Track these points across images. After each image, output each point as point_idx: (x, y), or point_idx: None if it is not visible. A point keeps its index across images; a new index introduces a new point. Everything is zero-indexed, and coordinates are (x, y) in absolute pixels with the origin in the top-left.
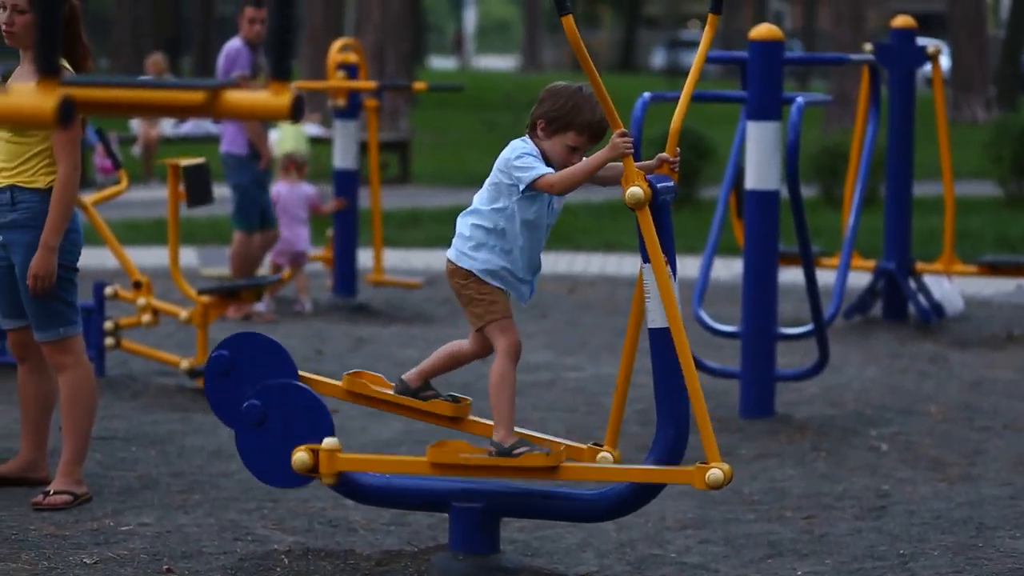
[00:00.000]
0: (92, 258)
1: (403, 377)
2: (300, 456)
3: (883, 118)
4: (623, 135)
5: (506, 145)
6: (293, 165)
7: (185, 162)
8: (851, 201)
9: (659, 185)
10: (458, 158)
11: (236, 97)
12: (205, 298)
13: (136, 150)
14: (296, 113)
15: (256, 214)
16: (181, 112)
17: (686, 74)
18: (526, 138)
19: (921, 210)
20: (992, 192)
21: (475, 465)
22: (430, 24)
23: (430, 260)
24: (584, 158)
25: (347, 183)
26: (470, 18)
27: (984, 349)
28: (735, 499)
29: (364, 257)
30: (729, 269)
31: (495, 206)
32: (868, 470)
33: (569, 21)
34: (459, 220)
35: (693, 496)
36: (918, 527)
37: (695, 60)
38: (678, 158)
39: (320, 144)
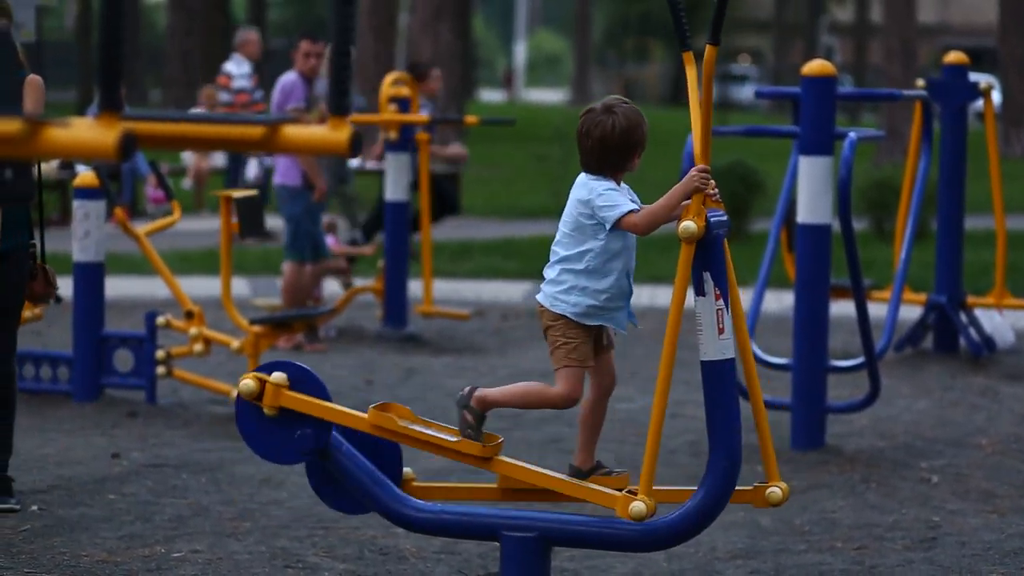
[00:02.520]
0: (144, 287)
1: (573, 464)
2: (246, 383)
3: (934, 152)
4: (703, 171)
5: (571, 181)
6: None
7: (238, 194)
8: (902, 234)
9: (713, 219)
10: (508, 190)
11: (294, 132)
12: (257, 328)
13: (187, 182)
14: (354, 148)
15: (309, 245)
16: (240, 146)
17: (736, 107)
18: (594, 176)
19: (971, 244)
20: None
21: (407, 435)
22: (480, 58)
23: (480, 291)
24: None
25: (399, 215)
26: (520, 52)
27: None
28: (786, 529)
29: (414, 288)
30: (779, 302)
31: (581, 248)
32: (918, 502)
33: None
34: (547, 271)
35: (744, 527)
36: (969, 559)
37: (703, 90)
38: (716, 190)
39: (369, 176)
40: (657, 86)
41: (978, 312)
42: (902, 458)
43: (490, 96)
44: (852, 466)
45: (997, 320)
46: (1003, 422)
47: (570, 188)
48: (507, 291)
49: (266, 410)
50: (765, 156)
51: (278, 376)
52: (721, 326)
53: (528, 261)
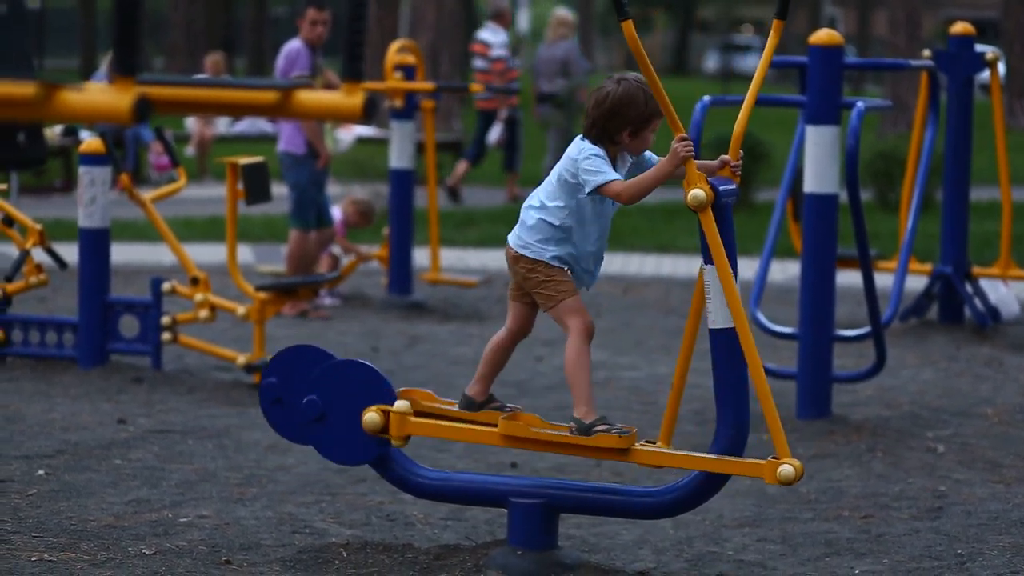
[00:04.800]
0: (148, 254)
1: (466, 392)
2: (371, 416)
3: (941, 124)
4: (682, 139)
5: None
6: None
7: (244, 161)
8: (908, 205)
9: (721, 188)
10: None
11: (308, 97)
12: (263, 295)
13: (190, 149)
14: (369, 113)
15: (313, 213)
16: (253, 111)
17: (739, 78)
18: (587, 139)
19: (976, 215)
20: None
21: (544, 440)
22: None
23: (485, 259)
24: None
25: (403, 183)
26: (523, 19)
27: None
28: (792, 498)
29: (419, 256)
30: (784, 271)
31: (558, 203)
32: (925, 471)
33: (629, 26)
34: (523, 210)
35: (750, 495)
36: (975, 528)
37: (760, 64)
38: (740, 162)
39: (373, 144)
40: (659, 56)
41: (983, 283)
42: (908, 428)
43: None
44: (858, 435)
45: (1002, 291)
46: (1008, 392)
47: None
48: None
49: (395, 442)
50: (769, 126)
51: (401, 405)
52: None
53: None
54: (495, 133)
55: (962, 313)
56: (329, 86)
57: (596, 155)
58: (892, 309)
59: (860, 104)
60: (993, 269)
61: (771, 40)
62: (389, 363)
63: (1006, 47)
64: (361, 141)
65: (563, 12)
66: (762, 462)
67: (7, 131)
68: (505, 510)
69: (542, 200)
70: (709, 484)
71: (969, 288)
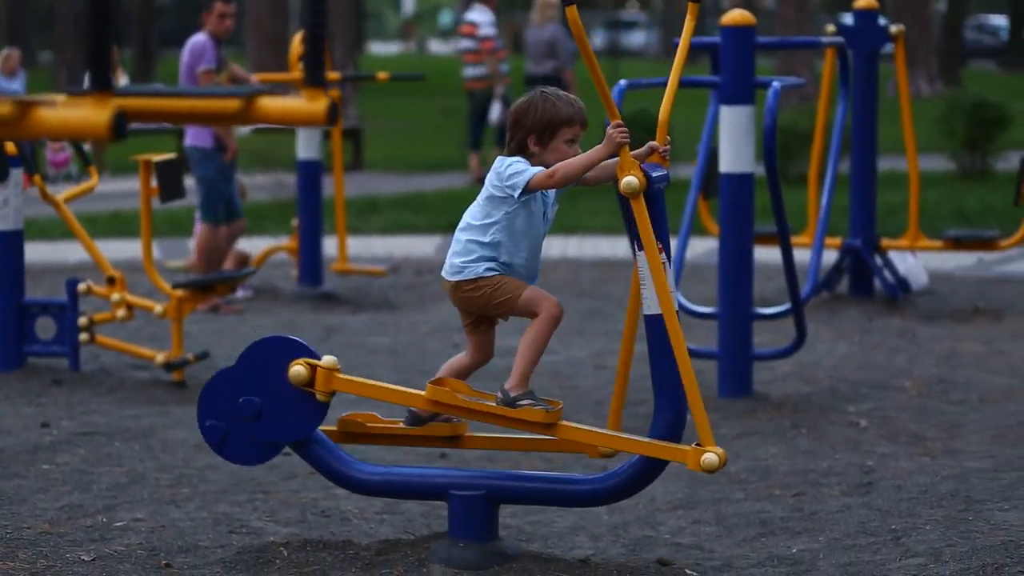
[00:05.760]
0: (53, 253)
1: (412, 409)
2: (297, 369)
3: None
4: (618, 126)
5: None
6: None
7: (158, 158)
8: (815, 179)
9: (653, 174)
10: (408, 144)
11: (270, 104)
12: (180, 292)
13: (86, 145)
14: (331, 118)
15: (222, 206)
16: (218, 120)
17: (627, 55)
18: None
19: (880, 186)
20: (943, 166)
21: (470, 408)
22: (369, 11)
23: (391, 246)
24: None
25: (311, 173)
26: (408, 3)
27: (951, 323)
28: (722, 478)
29: (327, 246)
30: (693, 249)
31: (486, 220)
32: (850, 446)
33: (573, 11)
34: (455, 236)
35: (680, 476)
36: (907, 502)
37: (679, 48)
38: (668, 147)
39: (269, 133)
40: None
41: (892, 254)
42: (829, 403)
43: (380, 48)
44: (780, 412)
45: (910, 262)
46: (924, 363)
47: None
48: (418, 246)
49: (319, 396)
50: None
51: (329, 360)
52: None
53: (437, 215)
54: (496, 112)
55: (872, 285)
56: (235, 79)
57: (516, 161)
58: (811, 285)
59: (776, 83)
60: (902, 241)
61: (688, 23)
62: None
63: (894, 16)
64: (257, 131)
65: None
66: (687, 448)
67: None
68: (441, 503)
69: (468, 222)
70: (649, 470)
71: (879, 260)
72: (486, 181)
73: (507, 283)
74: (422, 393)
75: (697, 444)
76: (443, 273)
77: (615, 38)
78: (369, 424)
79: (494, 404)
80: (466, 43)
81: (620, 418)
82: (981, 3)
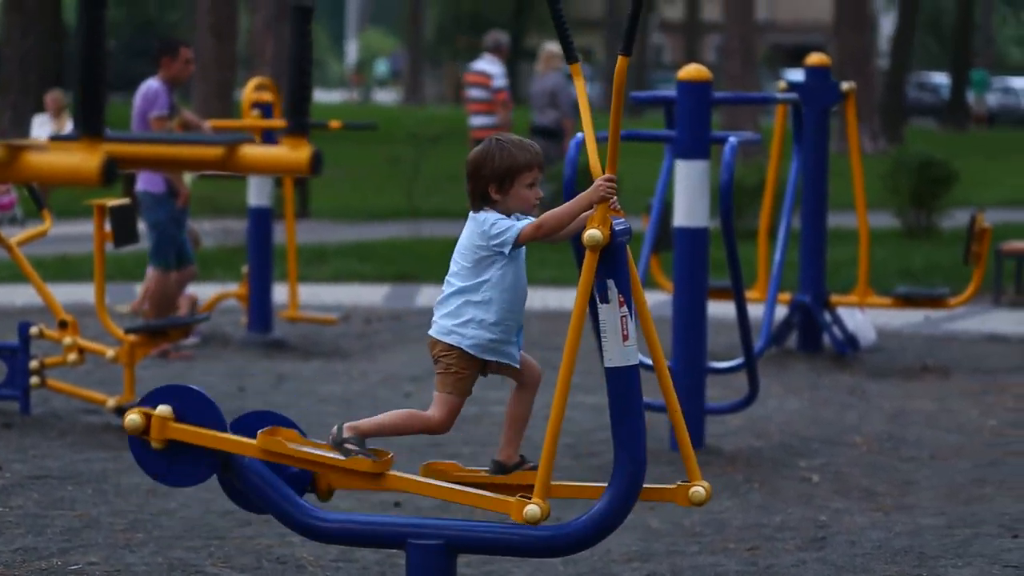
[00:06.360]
0: (7, 296)
1: (496, 459)
2: (132, 418)
3: (784, 154)
4: (609, 179)
5: (424, 183)
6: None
7: (112, 203)
8: (765, 234)
9: (618, 228)
10: (355, 192)
11: (254, 152)
12: (132, 337)
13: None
14: (315, 167)
15: (173, 252)
16: (202, 166)
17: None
18: (477, 212)
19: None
20: (889, 223)
21: (299, 457)
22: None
23: (339, 295)
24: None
25: (262, 220)
26: (351, 51)
27: (900, 380)
28: (676, 531)
29: (276, 293)
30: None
31: (480, 279)
32: (803, 501)
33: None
34: (444, 301)
35: (635, 529)
36: (861, 557)
37: (582, 104)
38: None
39: (214, 180)
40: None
41: (840, 310)
42: (781, 457)
43: (323, 96)
44: (733, 466)
45: (859, 318)
46: (874, 420)
47: (423, 190)
48: (367, 294)
49: (154, 444)
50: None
51: (163, 409)
52: (626, 332)
53: (385, 264)
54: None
55: (820, 341)
56: (187, 126)
57: (498, 219)
58: (764, 340)
59: (732, 139)
60: (852, 297)
61: (579, 82)
62: (258, 403)
63: (836, 72)
64: (204, 177)
65: (552, 46)
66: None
67: None
68: (397, 550)
69: (459, 285)
70: (607, 520)
71: (828, 317)
72: (463, 243)
73: (461, 380)
74: (253, 442)
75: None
76: (430, 333)
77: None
78: (454, 473)
79: (326, 453)
80: (476, 92)
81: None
82: (923, 60)
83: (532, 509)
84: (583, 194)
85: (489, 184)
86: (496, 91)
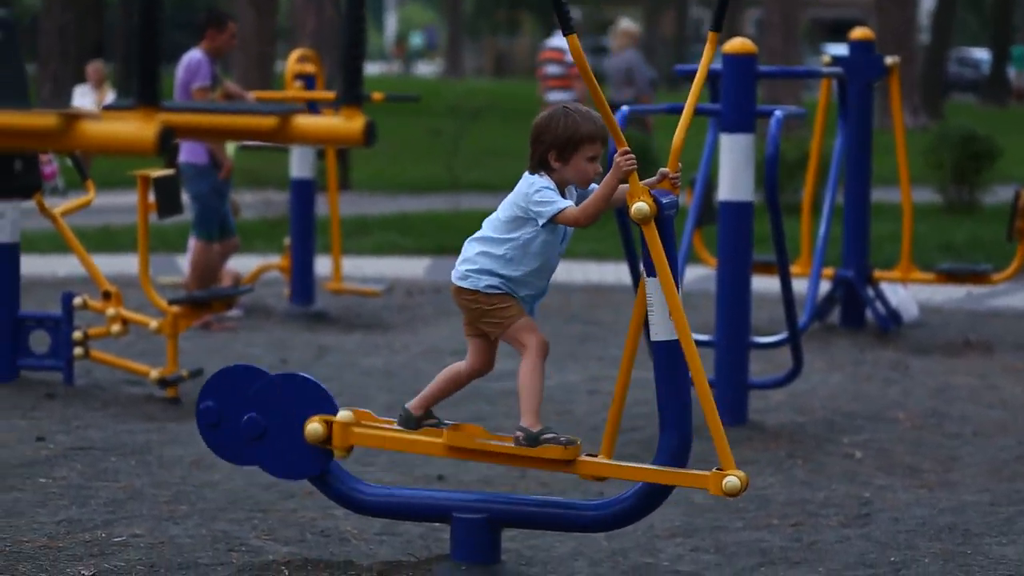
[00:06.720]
0: (44, 266)
1: (406, 406)
2: (314, 427)
3: (832, 128)
4: (624, 153)
5: (464, 156)
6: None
7: (156, 174)
8: (809, 209)
9: (663, 200)
10: (394, 165)
11: (307, 122)
12: (176, 308)
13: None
14: (369, 138)
15: (216, 223)
16: (256, 136)
17: (607, 80)
18: (532, 173)
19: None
20: (930, 199)
21: (489, 451)
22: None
23: (381, 267)
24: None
25: (304, 192)
26: (391, 24)
27: (943, 355)
28: (721, 507)
29: (318, 265)
30: (684, 277)
31: (508, 235)
32: (846, 477)
33: (574, 40)
34: (467, 244)
35: (679, 504)
36: (905, 534)
37: (697, 76)
38: (679, 173)
39: (254, 152)
40: (528, 59)
41: (883, 286)
42: (824, 433)
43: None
44: (776, 442)
45: (902, 294)
46: (918, 395)
47: (463, 164)
48: (408, 267)
49: (337, 453)
50: (657, 128)
51: (345, 416)
52: None
53: (425, 237)
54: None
55: (863, 317)
56: (229, 96)
57: (546, 187)
58: (808, 315)
59: (778, 112)
60: (895, 272)
61: (707, 52)
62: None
63: (878, 47)
64: (246, 148)
65: (627, 23)
66: (707, 473)
67: (5, 160)
68: (441, 524)
69: (488, 233)
70: (653, 496)
71: (871, 292)
72: (509, 198)
73: (503, 308)
74: (440, 440)
75: (718, 468)
76: (452, 275)
77: (597, 64)
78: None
79: (512, 444)
80: (552, 68)
81: (614, 444)
82: (963, 36)
83: (731, 481)
84: (607, 177)
85: (550, 150)
86: (571, 66)
